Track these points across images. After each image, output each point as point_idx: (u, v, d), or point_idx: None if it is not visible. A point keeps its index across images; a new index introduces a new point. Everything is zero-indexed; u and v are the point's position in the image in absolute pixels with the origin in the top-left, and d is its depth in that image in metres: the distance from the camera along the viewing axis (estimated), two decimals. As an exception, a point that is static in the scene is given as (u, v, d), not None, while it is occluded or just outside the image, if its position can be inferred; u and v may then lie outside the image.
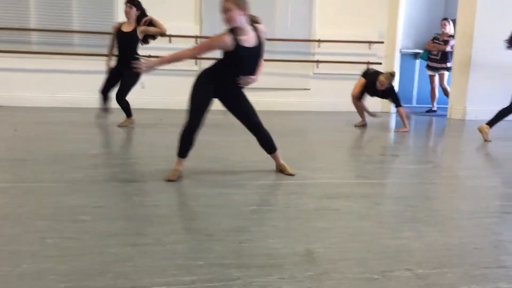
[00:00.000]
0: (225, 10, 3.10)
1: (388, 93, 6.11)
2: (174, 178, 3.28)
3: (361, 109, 6.39)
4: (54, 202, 2.79)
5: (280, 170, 3.59)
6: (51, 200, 2.83)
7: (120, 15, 7.32)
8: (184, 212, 2.71)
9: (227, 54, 3.23)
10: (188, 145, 3.35)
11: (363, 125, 6.40)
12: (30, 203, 2.76)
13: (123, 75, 5.49)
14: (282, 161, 3.60)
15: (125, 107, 5.60)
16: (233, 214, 2.68)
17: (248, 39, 3.20)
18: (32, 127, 5.37)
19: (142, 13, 5.53)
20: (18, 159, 3.89)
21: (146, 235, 2.31)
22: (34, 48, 7.19)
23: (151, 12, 7.37)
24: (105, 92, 5.61)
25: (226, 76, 3.32)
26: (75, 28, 7.27)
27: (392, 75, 6.00)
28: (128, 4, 5.44)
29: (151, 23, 5.50)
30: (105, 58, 5.72)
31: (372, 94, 6.28)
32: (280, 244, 2.25)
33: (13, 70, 7.19)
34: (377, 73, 6.20)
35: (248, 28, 3.21)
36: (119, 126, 5.56)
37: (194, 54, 3.46)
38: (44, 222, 2.45)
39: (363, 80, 6.27)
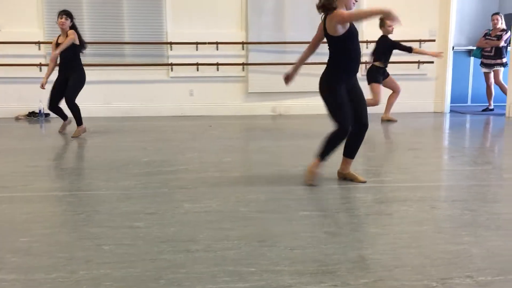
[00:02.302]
0: None
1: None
2: (313, 182, 3.33)
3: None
4: (109, 209, 2.87)
5: (347, 178, 3.46)
6: (106, 207, 2.91)
7: (169, 25, 7.50)
8: (235, 218, 2.71)
9: (342, 39, 3.14)
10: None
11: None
12: (86, 211, 2.85)
13: (67, 81, 5.52)
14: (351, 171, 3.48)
15: (76, 112, 5.51)
16: (285, 220, 2.65)
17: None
18: (87, 136, 5.56)
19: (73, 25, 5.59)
20: (75, 167, 4.04)
21: (198, 241, 2.32)
22: (88, 60, 7.47)
23: (200, 22, 7.54)
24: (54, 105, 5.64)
25: (349, 67, 3.25)
26: (126, 39, 7.49)
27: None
28: (64, 16, 5.46)
29: None
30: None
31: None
32: (332, 250, 2.20)
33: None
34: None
35: None
36: (73, 137, 5.44)
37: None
38: (99, 229, 2.51)
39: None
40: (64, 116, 5.74)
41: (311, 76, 7.52)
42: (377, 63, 6.39)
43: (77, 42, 5.51)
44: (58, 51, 5.39)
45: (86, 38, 7.39)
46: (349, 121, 3.19)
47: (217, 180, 3.54)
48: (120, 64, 7.49)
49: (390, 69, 7.45)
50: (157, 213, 2.77)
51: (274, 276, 1.94)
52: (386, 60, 6.46)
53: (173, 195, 3.17)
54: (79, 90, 5.60)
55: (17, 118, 7.22)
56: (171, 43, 7.49)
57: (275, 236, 2.40)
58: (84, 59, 7.37)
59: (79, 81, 5.57)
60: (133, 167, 3.98)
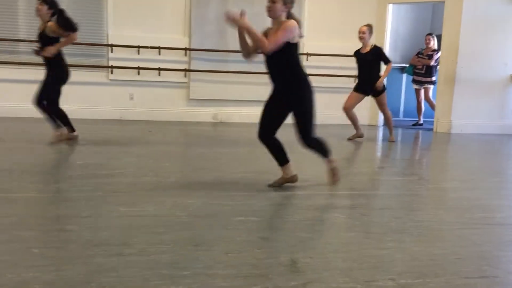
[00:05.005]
0: (271, 0, 3.13)
1: (376, 54, 6.01)
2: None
3: (355, 121, 6.31)
4: (39, 212, 2.78)
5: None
6: (36, 210, 2.83)
7: (110, 27, 7.35)
8: (171, 223, 2.71)
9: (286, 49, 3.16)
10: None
11: (359, 137, 6.35)
12: (15, 213, 2.75)
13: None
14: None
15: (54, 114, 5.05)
16: (221, 225, 2.69)
17: None
18: (19, 137, 5.35)
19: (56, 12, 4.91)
20: (4, 169, 3.87)
21: (131, 245, 2.31)
22: (24, 58, 7.18)
23: (142, 26, 7.44)
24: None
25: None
26: (21, 36, 7.21)
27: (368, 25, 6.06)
28: (39, 1, 4.85)
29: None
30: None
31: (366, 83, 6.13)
32: (265, 254, 2.26)
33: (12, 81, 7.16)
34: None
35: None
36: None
37: (269, 49, 3.11)
38: (29, 232, 2.44)
39: (355, 94, 6.24)
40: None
41: (252, 85, 7.67)
42: None
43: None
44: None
45: (21, 36, 7.15)
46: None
47: (153, 185, 3.52)
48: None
49: (329, 82, 7.75)
50: (91, 217, 2.72)
51: (207, 279, 1.97)
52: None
53: (107, 198, 3.12)
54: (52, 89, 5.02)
55: None
56: (111, 45, 7.35)
57: (210, 240, 2.43)
58: (19, 57, 7.13)
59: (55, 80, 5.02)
60: (67, 169, 3.87)
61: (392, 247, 2.44)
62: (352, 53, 6.32)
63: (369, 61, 6.06)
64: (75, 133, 5.20)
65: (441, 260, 2.27)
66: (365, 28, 6.02)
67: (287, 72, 3.26)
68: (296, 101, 3.30)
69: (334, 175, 3.55)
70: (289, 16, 3.25)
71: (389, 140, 6.38)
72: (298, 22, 3.23)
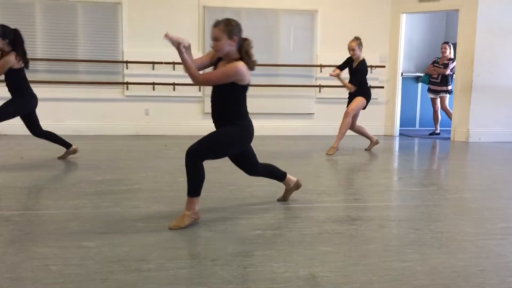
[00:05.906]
0: (215, 39, 2.95)
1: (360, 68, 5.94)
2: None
3: (362, 132, 6.35)
4: (58, 228, 2.80)
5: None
6: (55, 226, 2.84)
7: (125, 43, 7.46)
8: (189, 237, 2.70)
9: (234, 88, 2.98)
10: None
11: (375, 144, 6.34)
12: (34, 230, 2.77)
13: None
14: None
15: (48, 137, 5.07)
16: (238, 239, 2.67)
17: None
18: (37, 155, 5.42)
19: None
20: (23, 186, 3.92)
21: (150, 260, 2.31)
22: (40, 77, 7.30)
23: (157, 42, 7.50)
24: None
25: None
26: (80, 57, 7.39)
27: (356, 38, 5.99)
28: None
29: None
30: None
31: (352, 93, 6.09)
32: (283, 268, 2.24)
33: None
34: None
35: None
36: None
37: (203, 83, 3.12)
38: (48, 249, 2.45)
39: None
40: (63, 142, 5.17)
41: (265, 98, 7.69)
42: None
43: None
44: None
45: (38, 55, 7.27)
46: None
47: (170, 199, 3.53)
48: (73, 81, 7.36)
49: (342, 93, 7.72)
50: (109, 233, 2.73)
51: (226, 294, 1.95)
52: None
53: (125, 214, 3.13)
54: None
55: None
56: (126, 62, 7.44)
57: (228, 254, 2.41)
58: (36, 75, 7.26)
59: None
60: (85, 186, 3.90)
61: (412, 259, 2.40)
62: (369, 63, 6.23)
63: (356, 74, 5.98)
64: (72, 148, 5.18)
65: (464, 272, 2.23)
66: (353, 44, 5.93)
67: (225, 110, 3.09)
68: (225, 125, 3.15)
69: (181, 219, 2.91)
70: (241, 49, 3.00)
71: (328, 151, 5.81)
72: (250, 59, 2.99)
